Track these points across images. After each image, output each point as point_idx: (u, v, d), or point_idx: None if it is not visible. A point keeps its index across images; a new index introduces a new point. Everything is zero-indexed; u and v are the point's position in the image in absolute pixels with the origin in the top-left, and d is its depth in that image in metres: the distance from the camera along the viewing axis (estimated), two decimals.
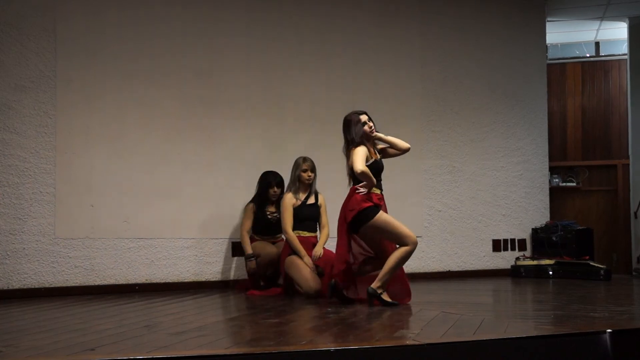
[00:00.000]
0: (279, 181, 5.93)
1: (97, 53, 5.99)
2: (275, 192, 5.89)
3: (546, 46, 8.75)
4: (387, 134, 4.99)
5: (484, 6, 8.07)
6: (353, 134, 4.79)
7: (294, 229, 5.55)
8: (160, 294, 5.69)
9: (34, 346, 3.08)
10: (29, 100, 5.69)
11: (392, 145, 4.98)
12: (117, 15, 6.10)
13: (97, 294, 5.68)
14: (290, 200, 5.59)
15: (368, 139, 4.83)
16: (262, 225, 5.92)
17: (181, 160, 6.27)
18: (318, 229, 5.76)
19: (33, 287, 5.58)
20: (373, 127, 4.84)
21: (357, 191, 4.69)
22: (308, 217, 5.62)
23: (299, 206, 5.60)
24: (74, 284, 5.74)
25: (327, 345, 3.01)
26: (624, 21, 8.86)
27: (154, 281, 6.06)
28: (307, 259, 5.42)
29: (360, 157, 4.66)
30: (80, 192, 5.84)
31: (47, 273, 5.66)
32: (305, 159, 5.65)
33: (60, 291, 5.64)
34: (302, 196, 5.64)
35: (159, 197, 6.14)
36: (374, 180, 4.69)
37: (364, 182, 4.66)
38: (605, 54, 9.38)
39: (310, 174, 5.63)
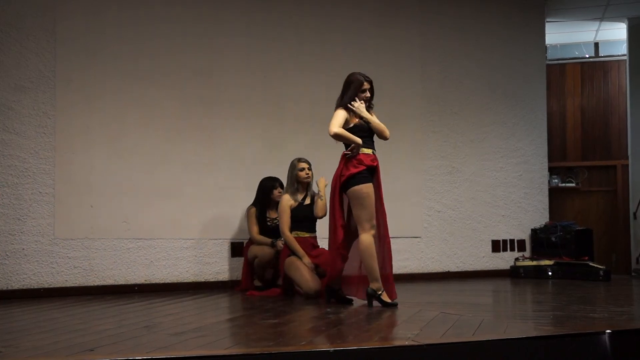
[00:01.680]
0: (279, 183, 5.98)
1: (97, 53, 5.99)
2: (280, 192, 5.92)
3: (546, 47, 8.76)
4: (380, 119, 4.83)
5: (484, 6, 8.08)
6: (346, 95, 4.75)
7: (292, 229, 5.56)
8: (159, 295, 5.69)
9: (33, 346, 3.08)
10: (28, 100, 5.69)
11: (373, 128, 4.80)
12: (117, 15, 6.10)
13: (97, 295, 5.68)
14: (287, 202, 5.59)
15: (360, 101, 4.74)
16: (262, 231, 5.93)
17: (181, 160, 6.27)
18: (317, 229, 5.75)
19: (32, 287, 5.58)
20: (364, 102, 4.73)
21: (346, 155, 4.67)
22: (306, 217, 5.61)
23: (297, 207, 5.60)
24: (73, 285, 5.73)
25: (326, 345, 3.01)
26: (623, 22, 8.87)
27: (154, 282, 6.06)
28: (306, 259, 5.42)
29: (336, 119, 4.63)
30: (80, 192, 5.83)
31: (47, 273, 5.66)
32: (300, 159, 5.66)
33: (60, 291, 5.64)
34: (300, 197, 5.64)
35: (158, 197, 6.13)
36: (357, 139, 4.61)
37: (352, 145, 4.62)
38: (605, 54, 9.38)
39: (307, 171, 5.62)
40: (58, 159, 5.76)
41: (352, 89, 4.76)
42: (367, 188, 4.61)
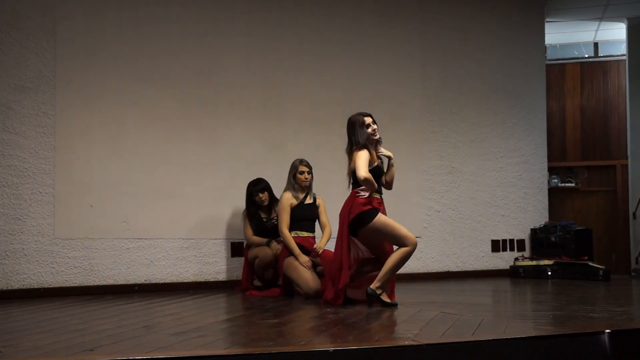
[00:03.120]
0: (262, 187, 5.94)
1: (97, 53, 5.99)
2: (261, 198, 5.92)
3: (545, 47, 8.76)
4: (388, 149, 4.93)
5: (483, 6, 8.08)
6: (357, 136, 4.75)
7: (292, 229, 5.56)
8: (159, 295, 5.69)
9: (33, 346, 3.08)
10: (28, 100, 5.69)
11: (389, 176, 4.94)
12: (117, 15, 6.10)
13: (97, 294, 5.68)
14: (287, 201, 5.58)
15: (371, 142, 4.79)
16: (260, 231, 5.93)
17: (181, 161, 6.27)
18: (317, 229, 5.75)
19: (32, 287, 5.58)
20: (376, 130, 4.80)
21: (357, 194, 4.70)
22: (306, 217, 5.61)
23: (297, 206, 5.59)
24: (73, 284, 5.74)
25: (326, 345, 3.01)
26: (623, 22, 8.87)
27: (154, 281, 6.06)
28: (302, 258, 5.42)
29: (363, 161, 4.62)
30: (80, 192, 5.84)
31: (47, 273, 5.66)
32: (301, 161, 5.63)
33: (60, 291, 5.64)
34: (300, 196, 5.63)
35: (158, 197, 6.14)
36: (376, 185, 4.69)
37: (364, 187, 4.66)
38: (604, 54, 9.39)
39: (307, 175, 5.61)
40: (58, 159, 5.76)
41: (359, 128, 4.76)
42: (380, 218, 4.65)
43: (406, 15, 7.60)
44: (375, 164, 4.77)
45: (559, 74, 9.39)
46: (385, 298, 4.67)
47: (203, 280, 6.26)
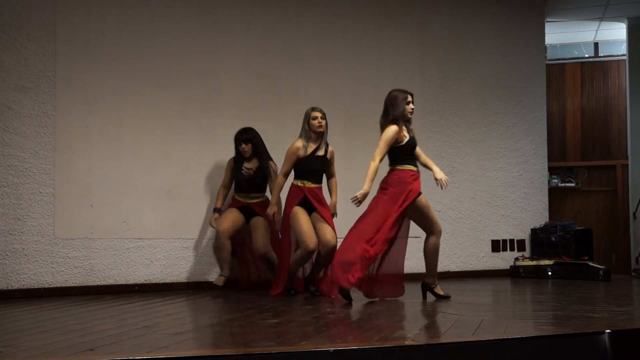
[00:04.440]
0: (245, 138, 5.88)
1: (97, 53, 5.99)
2: (243, 149, 5.88)
3: (545, 47, 8.76)
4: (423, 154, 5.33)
5: (483, 6, 8.08)
6: (394, 109, 5.00)
7: (298, 177, 5.51)
8: (159, 295, 5.69)
9: (33, 346, 3.08)
10: (28, 100, 5.69)
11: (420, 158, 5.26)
12: (117, 15, 6.09)
13: (97, 294, 5.68)
14: (295, 150, 5.48)
15: (404, 119, 5.03)
16: (238, 181, 5.93)
17: (181, 161, 6.27)
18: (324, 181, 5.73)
19: (32, 287, 5.58)
20: (413, 110, 5.10)
21: (354, 201, 4.83)
22: (315, 168, 5.52)
23: (307, 157, 5.48)
24: (73, 284, 5.73)
25: (326, 345, 3.01)
26: (623, 22, 8.86)
27: (154, 281, 6.06)
28: (272, 208, 5.48)
29: (383, 142, 4.93)
30: (80, 192, 5.83)
31: (47, 273, 5.66)
32: (314, 108, 5.55)
33: (60, 291, 5.64)
34: (312, 147, 5.51)
35: (158, 197, 6.14)
36: (367, 184, 4.85)
37: (360, 192, 4.82)
38: (605, 54, 9.38)
39: (320, 121, 5.48)
40: (58, 159, 5.76)
41: (399, 102, 5.02)
42: (423, 197, 5.06)
43: (406, 15, 7.59)
44: (407, 139, 5.01)
45: (559, 74, 9.39)
46: (439, 291, 5.03)
47: (203, 280, 6.25)
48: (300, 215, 5.37)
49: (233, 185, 6.06)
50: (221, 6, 6.56)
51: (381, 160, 4.96)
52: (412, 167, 5.04)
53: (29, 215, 5.63)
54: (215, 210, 5.99)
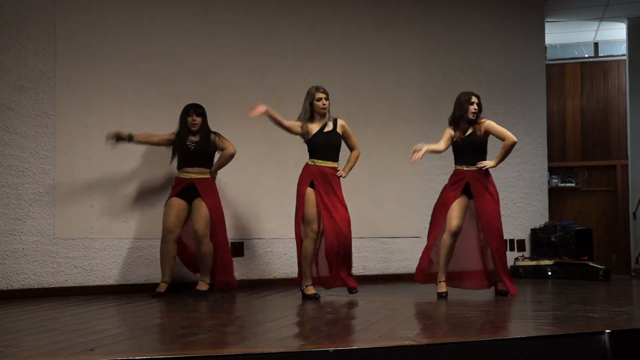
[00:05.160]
0: (198, 111, 5.72)
1: (97, 53, 5.99)
2: (194, 120, 5.68)
3: (545, 47, 8.76)
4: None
5: (483, 7, 8.07)
6: (456, 108, 5.34)
7: (311, 155, 5.31)
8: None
9: (33, 346, 3.08)
10: (28, 100, 5.69)
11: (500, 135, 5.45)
12: (117, 15, 6.09)
13: (97, 294, 5.67)
14: (297, 126, 5.34)
15: (464, 119, 5.30)
16: (182, 154, 5.70)
17: None
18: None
19: (32, 287, 5.58)
20: (476, 111, 5.31)
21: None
22: (327, 145, 5.30)
23: (315, 135, 5.29)
24: (73, 284, 5.73)
25: (326, 345, 3.01)
26: (623, 22, 8.87)
27: (154, 281, 6.04)
28: (259, 109, 5.26)
29: (438, 141, 5.41)
30: (80, 192, 5.83)
31: (47, 273, 5.66)
32: (317, 88, 5.34)
33: (60, 291, 5.64)
34: (318, 126, 5.34)
35: (158, 197, 6.13)
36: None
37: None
38: (605, 54, 9.38)
39: (325, 102, 5.31)
40: (58, 159, 5.76)
41: (462, 102, 5.33)
42: None
43: (406, 16, 7.59)
44: (457, 138, 5.34)
45: (559, 74, 9.39)
46: (500, 287, 5.32)
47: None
48: (310, 195, 5.21)
49: (175, 163, 5.83)
50: (221, 8, 6.57)
51: (444, 149, 5.43)
52: (460, 167, 5.43)
53: (29, 215, 5.62)
54: (130, 136, 5.59)
